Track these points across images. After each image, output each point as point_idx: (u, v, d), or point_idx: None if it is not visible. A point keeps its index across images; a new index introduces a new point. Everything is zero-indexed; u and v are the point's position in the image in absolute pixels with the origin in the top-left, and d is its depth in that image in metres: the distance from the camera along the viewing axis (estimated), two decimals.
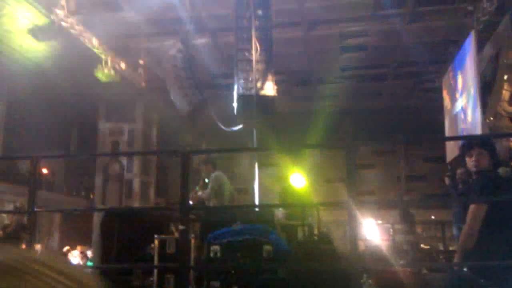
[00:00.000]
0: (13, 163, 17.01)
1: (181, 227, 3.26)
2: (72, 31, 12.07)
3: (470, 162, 3.26)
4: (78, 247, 17.85)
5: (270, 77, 10.39)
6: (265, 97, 10.33)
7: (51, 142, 14.41)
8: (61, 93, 16.70)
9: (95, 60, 14.12)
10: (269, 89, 10.40)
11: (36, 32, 12.43)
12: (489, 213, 2.99)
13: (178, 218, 6.63)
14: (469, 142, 3.34)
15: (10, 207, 17.48)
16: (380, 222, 19.54)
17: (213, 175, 6.49)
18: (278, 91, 11.62)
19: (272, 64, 10.53)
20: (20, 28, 12.32)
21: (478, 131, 11.14)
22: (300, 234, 5.55)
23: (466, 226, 3.06)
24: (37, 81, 14.22)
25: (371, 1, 12.67)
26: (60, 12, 11.16)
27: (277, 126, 16.37)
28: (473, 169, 3.28)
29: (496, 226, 2.97)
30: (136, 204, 19.50)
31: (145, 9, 12.95)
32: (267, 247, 4.62)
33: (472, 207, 3.03)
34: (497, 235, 2.97)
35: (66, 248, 17.43)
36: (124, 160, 20.49)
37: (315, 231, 5.22)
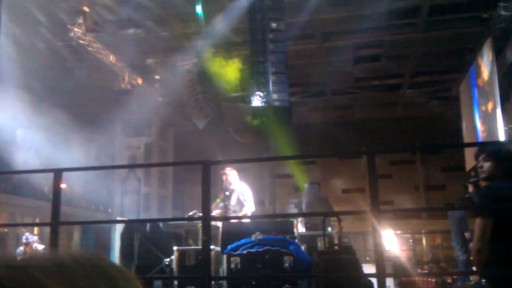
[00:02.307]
0: (25, 178, 17.11)
1: (203, 238, 3.27)
2: (90, 48, 12.32)
3: (479, 169, 3.25)
4: None
5: (285, 88, 10.45)
6: (281, 109, 10.38)
7: (70, 157, 14.60)
8: (79, 109, 16.97)
9: (113, 77, 14.37)
10: (285, 100, 10.46)
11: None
12: (496, 225, 2.94)
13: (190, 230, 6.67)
14: (478, 150, 3.31)
15: (27, 221, 17.70)
16: (399, 232, 19.33)
17: (243, 186, 6.50)
18: (293, 102, 11.68)
19: (287, 75, 10.60)
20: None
21: (497, 137, 10.99)
22: (320, 245, 5.53)
23: (474, 240, 3.02)
24: (55, 97, 14.48)
25: (384, 12, 12.68)
26: (78, 31, 11.40)
27: (292, 136, 16.38)
28: (482, 176, 3.25)
29: (506, 237, 2.92)
30: (153, 216, 19.61)
31: (160, 26, 13.17)
32: (288, 258, 4.61)
33: (477, 220, 3.00)
34: (507, 246, 2.92)
35: None
36: (141, 174, 20.67)
37: (336, 241, 5.20)
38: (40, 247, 7.81)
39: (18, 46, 12.16)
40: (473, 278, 7.45)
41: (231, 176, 6.69)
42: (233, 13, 11.73)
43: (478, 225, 2.95)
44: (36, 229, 14.28)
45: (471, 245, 7.89)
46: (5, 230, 15.83)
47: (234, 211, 6.56)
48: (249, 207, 6.57)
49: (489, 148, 3.29)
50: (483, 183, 3.38)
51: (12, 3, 10.77)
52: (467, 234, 8.03)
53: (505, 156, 3.15)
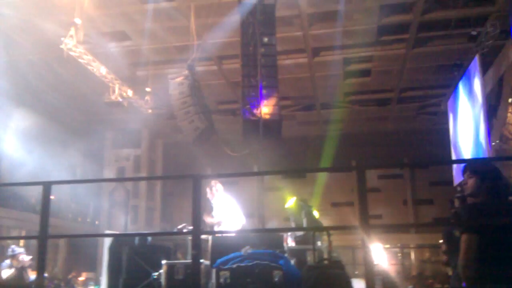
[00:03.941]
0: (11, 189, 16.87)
1: (193, 252, 3.25)
2: (81, 60, 12.28)
3: (464, 186, 3.31)
4: (83, 274, 17.71)
5: (275, 102, 10.49)
6: (271, 122, 10.40)
7: (58, 169, 14.48)
8: (69, 121, 16.90)
9: (103, 88, 14.33)
10: (275, 114, 10.48)
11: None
12: (482, 241, 2.97)
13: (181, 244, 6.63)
14: (464, 166, 3.37)
15: (14, 233, 17.45)
16: (387, 246, 19.34)
17: (227, 199, 6.53)
18: (283, 116, 11.70)
19: (277, 89, 10.64)
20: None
21: (484, 154, 11.13)
22: (310, 259, 5.52)
23: (460, 256, 3.04)
24: (46, 108, 14.42)
25: (374, 27, 12.86)
26: (69, 42, 11.37)
27: (282, 150, 16.43)
28: (466, 193, 3.30)
29: (492, 253, 2.95)
30: (141, 229, 19.44)
31: (152, 38, 13.20)
32: (278, 272, 4.59)
33: (462, 236, 3.03)
34: (494, 262, 2.95)
35: (71, 275, 17.31)
36: (129, 186, 20.54)
37: (325, 256, 5.19)
38: (27, 258, 7.71)
39: (8, 58, 12.11)
40: None
41: (215, 189, 6.73)
42: (225, 26, 11.81)
43: (464, 241, 2.98)
44: (22, 241, 14.10)
45: (444, 258, 7.82)
46: None
47: (218, 224, 6.57)
48: (234, 219, 6.58)
49: (473, 165, 3.34)
50: (470, 199, 3.44)
51: (2, 15, 10.76)
52: (443, 247, 7.91)
53: (488, 173, 3.19)
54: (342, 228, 4.62)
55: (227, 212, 6.62)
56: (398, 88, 16.35)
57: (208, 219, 6.70)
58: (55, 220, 17.92)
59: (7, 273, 7.52)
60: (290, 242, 6.14)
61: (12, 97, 12.71)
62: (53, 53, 12.65)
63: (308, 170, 17.50)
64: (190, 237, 5.46)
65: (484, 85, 11.50)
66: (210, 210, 6.84)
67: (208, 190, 6.80)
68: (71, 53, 11.72)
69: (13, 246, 7.91)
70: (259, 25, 10.35)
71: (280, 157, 14.33)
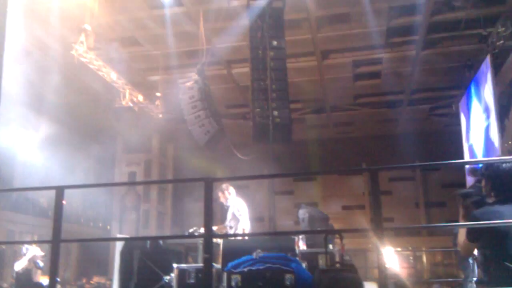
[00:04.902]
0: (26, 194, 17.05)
1: (205, 255, 3.26)
2: (91, 66, 12.38)
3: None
4: (95, 278, 17.78)
5: (285, 105, 10.48)
6: (281, 125, 10.40)
7: (71, 175, 14.62)
8: (81, 126, 17.05)
9: (114, 93, 14.43)
10: (285, 117, 10.47)
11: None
12: (485, 246, 2.94)
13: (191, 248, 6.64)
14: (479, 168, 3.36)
15: (26, 238, 17.60)
16: (399, 249, 19.18)
17: (239, 202, 6.57)
18: (293, 119, 11.69)
19: (287, 92, 10.63)
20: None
21: (495, 155, 11.02)
22: (321, 262, 5.49)
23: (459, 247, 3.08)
24: (58, 114, 14.55)
25: (384, 29, 12.81)
26: (80, 48, 11.47)
27: (292, 153, 16.40)
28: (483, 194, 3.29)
29: (494, 256, 2.92)
30: (152, 233, 19.51)
31: (161, 43, 13.29)
32: (289, 276, 4.58)
33: (464, 241, 3.03)
34: (498, 265, 2.91)
35: (83, 280, 17.41)
36: (140, 191, 20.63)
37: (337, 259, 5.17)
38: (40, 253, 8.00)
39: (20, 66, 12.26)
40: None
41: (227, 192, 6.76)
42: (234, 31, 11.85)
43: (461, 245, 3.00)
44: (34, 246, 14.24)
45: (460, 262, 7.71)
46: (3, 247, 15.76)
47: (230, 227, 6.57)
48: (245, 223, 6.58)
49: (482, 167, 3.32)
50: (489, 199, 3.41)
51: (15, 20, 10.88)
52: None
53: (493, 173, 3.13)
54: (355, 231, 4.60)
55: (240, 215, 6.64)
56: (409, 90, 16.25)
57: (220, 230, 6.70)
58: (67, 225, 18.03)
59: (20, 264, 7.80)
60: (301, 245, 6.12)
61: (24, 104, 12.85)
62: (64, 60, 12.79)
63: (320, 172, 17.45)
64: (201, 241, 5.47)
65: (496, 86, 11.39)
66: (223, 220, 6.84)
67: (220, 194, 6.82)
68: (82, 59, 11.83)
69: (26, 245, 8.21)
70: (268, 28, 10.37)
71: (290, 160, 14.31)
